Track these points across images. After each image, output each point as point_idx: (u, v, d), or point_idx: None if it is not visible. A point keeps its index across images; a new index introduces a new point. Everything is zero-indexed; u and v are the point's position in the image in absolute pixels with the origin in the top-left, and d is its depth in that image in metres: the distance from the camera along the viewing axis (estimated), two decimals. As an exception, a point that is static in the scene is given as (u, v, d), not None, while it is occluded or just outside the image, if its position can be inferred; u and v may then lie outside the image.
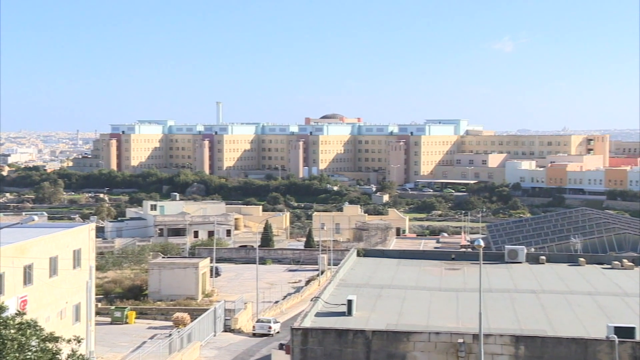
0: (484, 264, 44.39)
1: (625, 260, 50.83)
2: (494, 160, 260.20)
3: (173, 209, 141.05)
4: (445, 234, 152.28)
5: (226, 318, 67.39)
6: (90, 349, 52.27)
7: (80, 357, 28.76)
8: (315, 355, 31.42)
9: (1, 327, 27.59)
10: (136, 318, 69.16)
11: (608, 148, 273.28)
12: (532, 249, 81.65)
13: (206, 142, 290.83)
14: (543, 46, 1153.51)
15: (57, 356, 28.15)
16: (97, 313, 63.72)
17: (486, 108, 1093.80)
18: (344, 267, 47.56)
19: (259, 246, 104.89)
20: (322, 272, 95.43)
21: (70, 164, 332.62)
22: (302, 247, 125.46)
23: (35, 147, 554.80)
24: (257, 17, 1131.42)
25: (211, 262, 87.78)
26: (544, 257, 52.36)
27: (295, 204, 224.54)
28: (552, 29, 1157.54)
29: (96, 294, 62.64)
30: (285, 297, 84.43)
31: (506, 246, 58.08)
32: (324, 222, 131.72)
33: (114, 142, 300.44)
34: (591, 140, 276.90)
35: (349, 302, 36.21)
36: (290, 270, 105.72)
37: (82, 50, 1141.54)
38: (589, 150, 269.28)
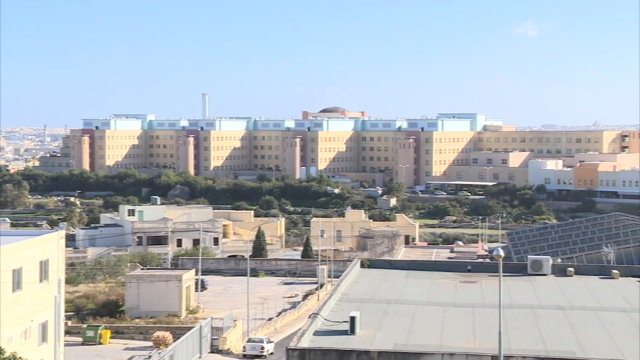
0: (503, 276, 44.33)
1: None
2: (516, 159, 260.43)
3: (153, 214, 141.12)
4: (460, 243, 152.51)
5: (213, 337, 67.35)
6: (59, 373, 52.22)
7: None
8: (313, 380, 31.39)
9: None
10: (111, 338, 69.07)
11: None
12: (559, 260, 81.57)
13: (191, 139, 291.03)
14: (572, 30, 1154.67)
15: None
16: (67, 332, 63.63)
17: (506, 100, 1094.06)
18: (346, 280, 47.56)
19: (250, 256, 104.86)
20: (322, 286, 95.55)
21: (37, 163, 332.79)
22: (299, 257, 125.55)
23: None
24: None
25: (196, 274, 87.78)
26: (572, 269, 52.37)
27: (291, 209, 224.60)
28: (582, 10, 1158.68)
29: (66, 311, 62.54)
30: (279, 313, 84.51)
31: (529, 256, 58.09)
32: (323, 229, 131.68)
33: (86, 138, 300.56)
34: (626, 136, 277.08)
35: (352, 319, 36.20)
36: (286, 284, 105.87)
37: (50, 35, 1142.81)
38: (623, 148, 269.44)
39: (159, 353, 57.81)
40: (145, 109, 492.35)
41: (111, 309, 78.32)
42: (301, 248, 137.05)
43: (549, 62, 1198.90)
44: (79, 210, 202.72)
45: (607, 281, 50.22)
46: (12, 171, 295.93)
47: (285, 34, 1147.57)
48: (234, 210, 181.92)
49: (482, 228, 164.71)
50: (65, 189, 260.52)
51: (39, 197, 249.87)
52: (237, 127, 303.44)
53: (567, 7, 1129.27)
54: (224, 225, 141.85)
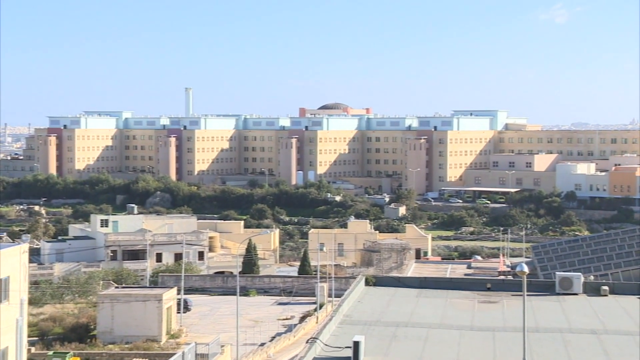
0: (528, 295, 44.31)
1: None
2: (542, 162, 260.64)
3: (129, 225, 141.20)
4: (479, 257, 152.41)
5: (197, 365, 67.28)
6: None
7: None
8: (311, 414, 31.39)
9: None
10: (81, 366, 69.07)
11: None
12: (591, 277, 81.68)
13: (172, 140, 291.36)
14: (605, 16, 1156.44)
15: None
16: None
17: (531, 96, 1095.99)
18: (349, 300, 47.52)
19: (239, 273, 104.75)
20: (321, 306, 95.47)
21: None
22: (296, 274, 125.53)
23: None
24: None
25: (178, 294, 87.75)
26: (606, 288, 52.32)
27: (287, 219, 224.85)
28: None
29: (29, 336, 62.45)
30: (273, 338, 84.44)
31: (557, 273, 58.09)
32: (323, 241, 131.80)
33: (52, 139, 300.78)
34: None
35: (356, 344, 36.17)
36: (280, 304, 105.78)
37: (12, 22, 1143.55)
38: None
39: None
40: (121, 106, 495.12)
41: (81, 334, 78.32)
42: (298, 263, 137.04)
43: (579, 52, 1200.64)
44: (44, 220, 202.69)
45: (646, 301, 50.21)
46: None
47: (279, 20, 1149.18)
48: (222, 221, 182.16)
49: (503, 241, 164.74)
50: (28, 196, 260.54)
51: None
52: (225, 126, 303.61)
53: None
54: (210, 238, 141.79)
